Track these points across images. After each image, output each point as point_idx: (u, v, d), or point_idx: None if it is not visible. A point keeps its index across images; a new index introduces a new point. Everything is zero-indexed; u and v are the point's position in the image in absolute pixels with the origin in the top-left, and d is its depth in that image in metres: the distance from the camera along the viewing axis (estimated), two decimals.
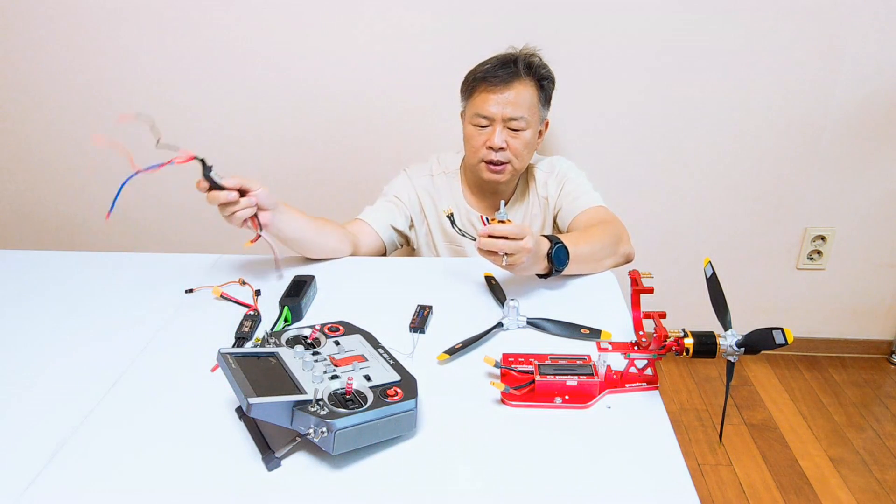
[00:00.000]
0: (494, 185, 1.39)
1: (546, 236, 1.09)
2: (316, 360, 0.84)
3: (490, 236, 1.00)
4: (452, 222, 1.15)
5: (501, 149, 1.31)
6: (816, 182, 1.93)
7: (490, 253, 1.02)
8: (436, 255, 1.47)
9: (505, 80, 1.30)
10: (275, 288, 1.14)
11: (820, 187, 1.94)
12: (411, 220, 1.45)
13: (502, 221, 1.03)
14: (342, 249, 1.28)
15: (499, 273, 1.19)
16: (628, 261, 1.26)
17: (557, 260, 1.09)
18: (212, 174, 0.99)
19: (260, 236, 1.11)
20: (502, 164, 1.33)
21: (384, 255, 1.42)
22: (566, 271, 1.13)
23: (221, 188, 1.03)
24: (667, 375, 2.11)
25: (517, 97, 1.30)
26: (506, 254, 1.01)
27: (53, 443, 0.80)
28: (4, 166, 2.04)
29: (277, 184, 2.00)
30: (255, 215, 1.09)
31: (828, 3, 1.70)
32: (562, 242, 1.09)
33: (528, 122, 1.32)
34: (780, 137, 1.87)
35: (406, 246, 1.50)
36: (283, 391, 0.76)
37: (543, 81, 1.35)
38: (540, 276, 1.14)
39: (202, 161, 0.99)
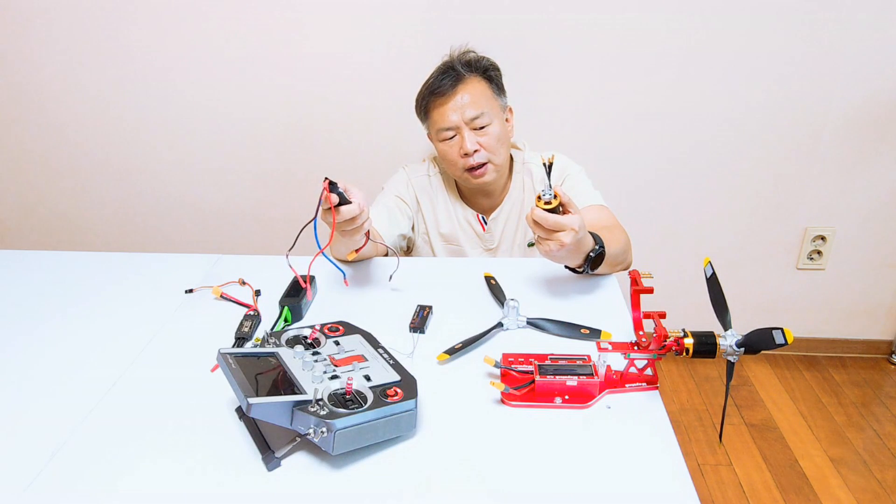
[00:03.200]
0: (484, 186, 1.39)
1: (592, 234, 1.08)
2: (316, 360, 0.84)
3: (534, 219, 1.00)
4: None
5: (476, 151, 1.31)
6: (816, 182, 1.93)
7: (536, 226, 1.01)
8: (432, 254, 1.47)
9: (451, 86, 1.31)
10: (275, 288, 1.14)
11: (820, 187, 1.93)
12: (413, 221, 1.45)
13: (549, 203, 1.00)
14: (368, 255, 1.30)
15: (499, 273, 1.19)
16: (627, 269, 1.26)
17: (595, 262, 1.08)
18: (340, 189, 0.99)
19: (366, 243, 1.10)
20: (483, 164, 1.33)
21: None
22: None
23: (349, 202, 0.99)
24: (667, 375, 2.11)
25: (470, 97, 1.31)
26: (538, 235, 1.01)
27: (53, 443, 0.80)
28: (5, 166, 2.04)
29: (275, 183, 2.00)
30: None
31: (828, 4, 1.70)
32: (603, 248, 1.09)
33: (491, 117, 1.32)
34: (780, 137, 1.87)
35: (407, 249, 1.50)
36: (283, 391, 0.76)
37: (488, 72, 1.36)
38: (570, 268, 1.16)
39: (332, 182, 0.98)
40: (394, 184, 1.45)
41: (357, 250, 1.10)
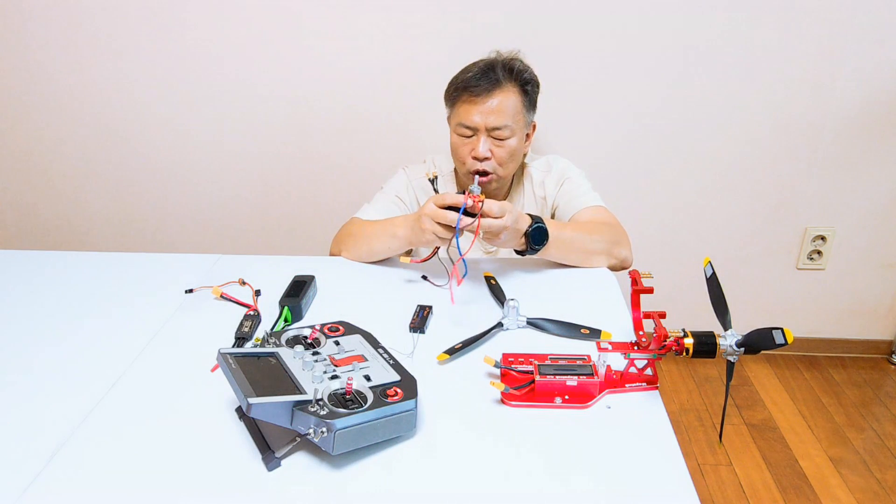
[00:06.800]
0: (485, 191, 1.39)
1: (529, 215, 1.14)
2: (316, 360, 0.84)
3: (469, 214, 1.06)
4: (435, 188, 1.17)
5: (486, 158, 1.31)
6: (816, 182, 1.93)
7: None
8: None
9: (487, 89, 1.29)
10: (275, 288, 1.14)
11: (820, 187, 1.94)
12: None
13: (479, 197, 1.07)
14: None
15: (499, 273, 1.20)
16: (624, 266, 1.26)
17: (534, 238, 1.13)
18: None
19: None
20: (488, 173, 1.32)
21: None
22: (550, 256, 1.18)
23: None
24: (667, 375, 2.11)
25: (500, 105, 1.29)
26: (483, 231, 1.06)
27: (53, 443, 0.80)
28: (5, 166, 2.04)
29: (275, 183, 2.00)
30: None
31: (828, 4, 1.70)
32: (542, 223, 1.13)
33: (513, 130, 1.31)
34: (780, 137, 1.87)
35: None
36: (283, 391, 0.76)
37: (527, 86, 1.33)
38: (518, 252, 1.18)
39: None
40: (393, 184, 1.45)
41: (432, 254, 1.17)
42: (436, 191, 1.18)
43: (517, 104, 1.32)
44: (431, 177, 1.19)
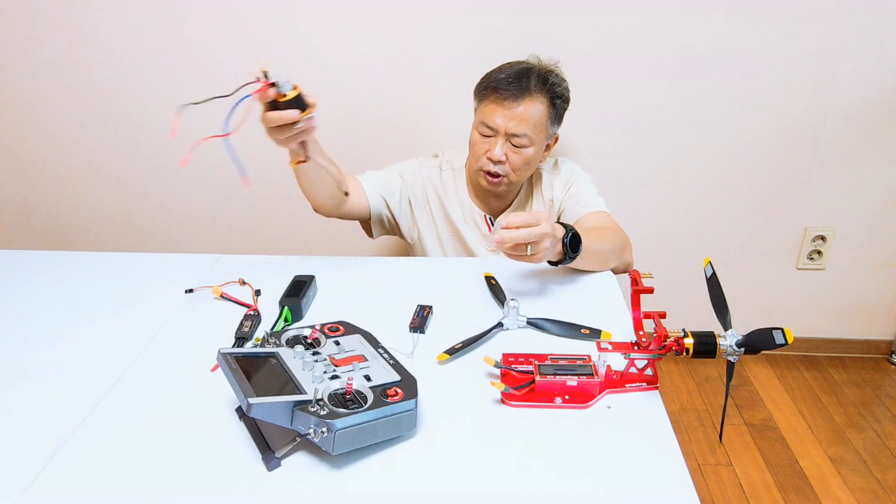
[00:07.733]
0: (491, 191, 1.39)
1: (559, 223, 1.09)
2: (316, 360, 0.84)
3: (505, 229, 0.98)
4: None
5: (500, 162, 1.31)
6: (816, 182, 1.93)
7: (514, 248, 0.99)
8: (440, 247, 1.46)
9: (515, 95, 1.28)
10: (275, 288, 1.14)
11: (820, 187, 1.94)
12: (409, 203, 1.44)
13: (285, 95, 1.00)
14: (338, 195, 1.30)
15: (499, 273, 1.19)
16: (627, 270, 1.26)
17: (572, 246, 1.08)
18: (285, 90, 0.96)
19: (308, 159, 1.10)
20: (499, 176, 1.33)
21: (368, 224, 1.42)
22: (574, 263, 1.13)
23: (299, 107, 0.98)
24: (667, 375, 2.11)
25: (524, 113, 1.28)
26: (529, 244, 0.99)
27: (53, 443, 0.80)
28: (5, 166, 2.04)
29: (275, 182, 2.00)
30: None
31: (828, 4, 1.70)
32: (575, 230, 1.09)
33: (532, 140, 1.30)
34: (780, 137, 1.87)
35: (395, 232, 1.49)
36: (283, 391, 0.76)
37: (556, 100, 1.33)
38: (551, 263, 1.14)
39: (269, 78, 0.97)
40: (402, 166, 1.45)
41: (299, 162, 1.12)
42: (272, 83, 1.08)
43: (542, 115, 1.31)
44: (260, 74, 1.06)
